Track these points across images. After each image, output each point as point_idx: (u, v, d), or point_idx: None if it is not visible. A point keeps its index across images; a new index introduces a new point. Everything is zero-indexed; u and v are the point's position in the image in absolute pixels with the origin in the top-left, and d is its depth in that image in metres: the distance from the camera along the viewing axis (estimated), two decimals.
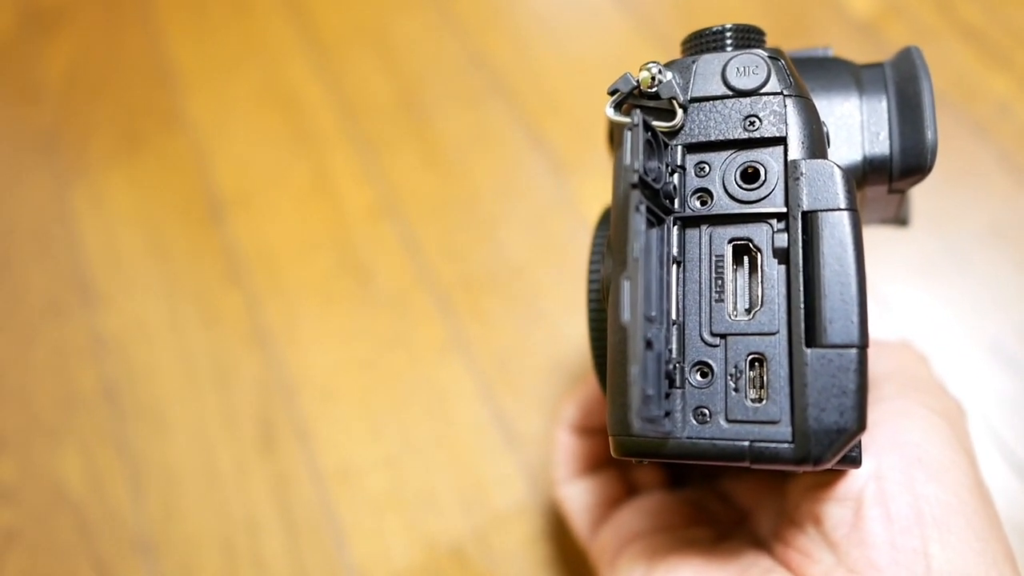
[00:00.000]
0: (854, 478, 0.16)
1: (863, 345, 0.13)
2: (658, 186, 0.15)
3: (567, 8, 0.43)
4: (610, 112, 0.16)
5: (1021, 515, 0.27)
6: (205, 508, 0.35)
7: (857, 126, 0.15)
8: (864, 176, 0.15)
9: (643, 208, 0.14)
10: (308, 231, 0.41)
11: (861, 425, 0.13)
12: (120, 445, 0.38)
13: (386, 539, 0.33)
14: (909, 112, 0.15)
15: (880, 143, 0.15)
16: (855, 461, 0.14)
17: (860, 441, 0.14)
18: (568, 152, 0.39)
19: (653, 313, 0.14)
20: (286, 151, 0.44)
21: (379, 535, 0.33)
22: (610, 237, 0.17)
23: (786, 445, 0.13)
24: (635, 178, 0.13)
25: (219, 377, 0.38)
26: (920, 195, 0.34)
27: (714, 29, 0.16)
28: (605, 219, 0.20)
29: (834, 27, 0.38)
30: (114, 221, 0.45)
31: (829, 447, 0.13)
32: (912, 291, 0.32)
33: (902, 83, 0.15)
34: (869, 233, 0.34)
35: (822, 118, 0.15)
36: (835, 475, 0.16)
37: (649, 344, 0.13)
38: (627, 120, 0.15)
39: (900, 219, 0.18)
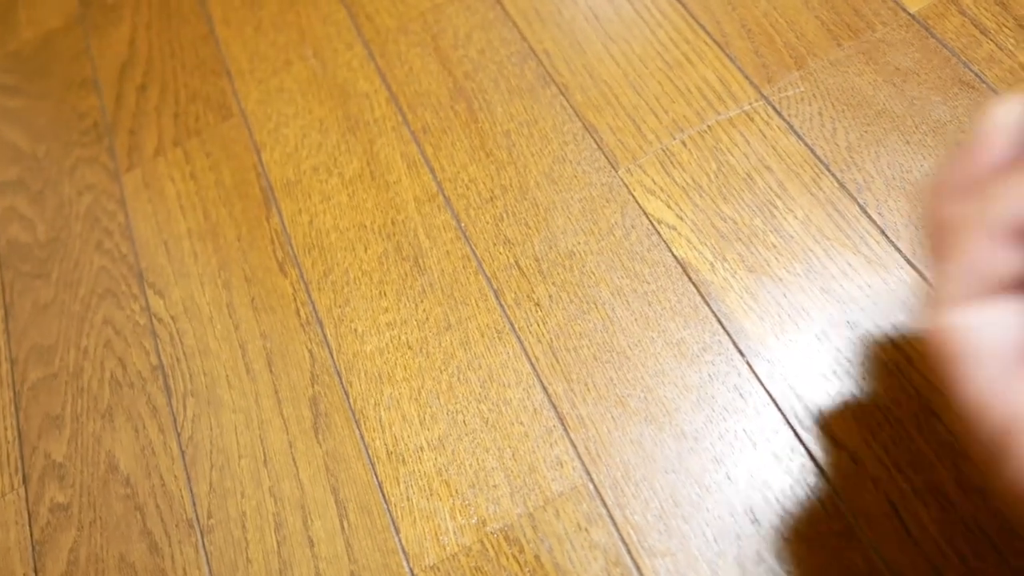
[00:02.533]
0: None
1: None
2: None
3: (619, 1, 0.44)
4: None
5: None
6: (256, 487, 0.36)
7: None
8: None
9: None
10: (360, 217, 0.41)
11: None
12: (172, 424, 0.38)
13: (437, 521, 0.33)
14: None
15: None
16: None
17: None
18: (618, 143, 0.40)
19: None
20: (338, 139, 0.44)
21: (430, 517, 0.33)
22: None
23: None
24: None
25: (271, 359, 0.39)
26: None
27: None
28: None
29: (890, 19, 0.39)
30: (167, 206, 0.46)
31: None
32: None
33: None
34: None
35: None
36: None
37: None
38: None
39: None
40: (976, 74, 0.36)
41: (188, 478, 0.37)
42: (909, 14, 0.39)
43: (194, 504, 0.36)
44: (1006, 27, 0.37)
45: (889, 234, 0.34)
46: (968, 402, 0.15)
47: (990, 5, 0.38)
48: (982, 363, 0.15)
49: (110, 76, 0.52)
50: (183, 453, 0.37)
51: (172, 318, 0.42)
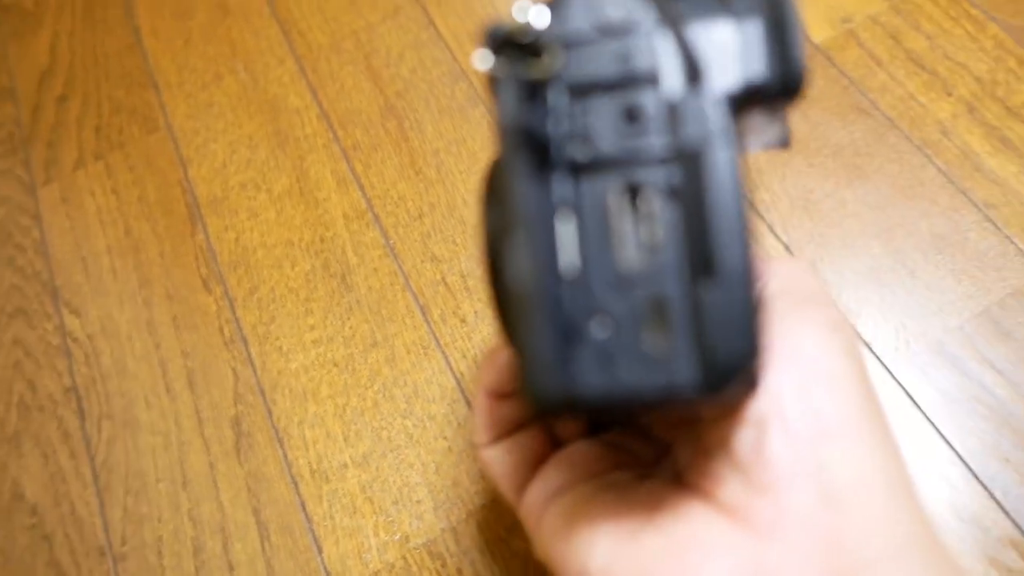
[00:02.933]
0: (757, 400, 0.16)
1: (752, 273, 0.14)
2: (540, 135, 0.15)
3: None
4: (483, 64, 0.15)
5: (962, 504, 0.29)
6: (174, 511, 0.35)
7: (733, 52, 0.15)
8: (745, 101, 0.15)
9: (526, 162, 0.14)
10: (288, 234, 0.41)
11: (757, 350, 0.14)
12: (84, 448, 0.37)
13: (360, 539, 0.33)
14: (780, 33, 0.15)
15: (757, 67, 0.15)
16: (752, 383, 0.15)
17: (758, 364, 0.14)
18: None
19: (547, 269, 0.14)
20: (268, 155, 0.44)
21: (353, 535, 0.33)
22: (496, 187, 0.18)
23: (689, 381, 0.14)
24: (515, 131, 0.14)
25: (192, 378, 0.38)
26: (871, 208, 0.36)
27: None
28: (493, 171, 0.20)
29: None
30: (87, 222, 0.44)
31: (728, 376, 0.14)
32: (862, 296, 0.34)
33: (770, 6, 0.16)
34: (822, 238, 0.36)
35: (696, 47, 0.15)
36: (740, 400, 0.16)
37: (547, 302, 0.14)
38: (501, 70, 0.15)
39: (782, 141, 0.19)
40: (871, 101, 0.39)
41: (101, 504, 0.35)
42: (814, 44, 0.41)
43: (106, 531, 0.35)
44: (898, 59, 0.40)
45: (793, 250, 0.36)
46: (512, 508, 0.22)
47: (884, 38, 0.41)
48: (502, 481, 0.22)
49: (28, 85, 0.50)
50: (96, 478, 0.36)
51: (88, 337, 0.40)
